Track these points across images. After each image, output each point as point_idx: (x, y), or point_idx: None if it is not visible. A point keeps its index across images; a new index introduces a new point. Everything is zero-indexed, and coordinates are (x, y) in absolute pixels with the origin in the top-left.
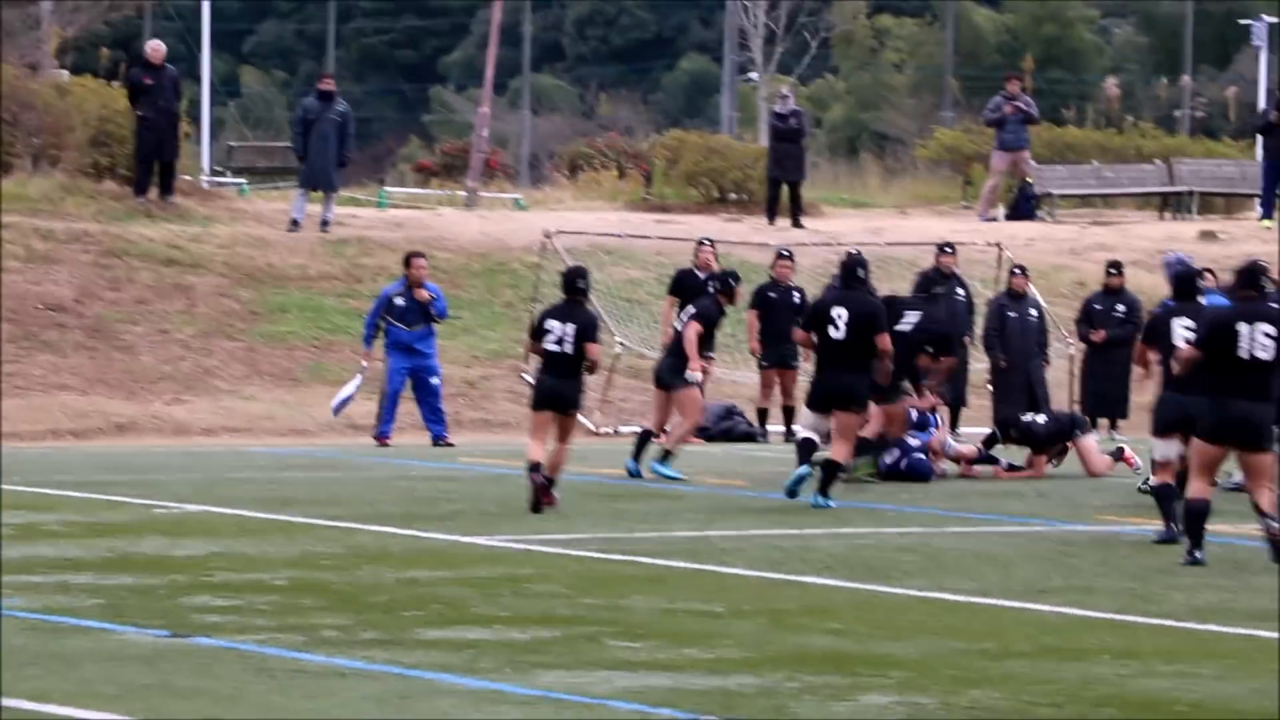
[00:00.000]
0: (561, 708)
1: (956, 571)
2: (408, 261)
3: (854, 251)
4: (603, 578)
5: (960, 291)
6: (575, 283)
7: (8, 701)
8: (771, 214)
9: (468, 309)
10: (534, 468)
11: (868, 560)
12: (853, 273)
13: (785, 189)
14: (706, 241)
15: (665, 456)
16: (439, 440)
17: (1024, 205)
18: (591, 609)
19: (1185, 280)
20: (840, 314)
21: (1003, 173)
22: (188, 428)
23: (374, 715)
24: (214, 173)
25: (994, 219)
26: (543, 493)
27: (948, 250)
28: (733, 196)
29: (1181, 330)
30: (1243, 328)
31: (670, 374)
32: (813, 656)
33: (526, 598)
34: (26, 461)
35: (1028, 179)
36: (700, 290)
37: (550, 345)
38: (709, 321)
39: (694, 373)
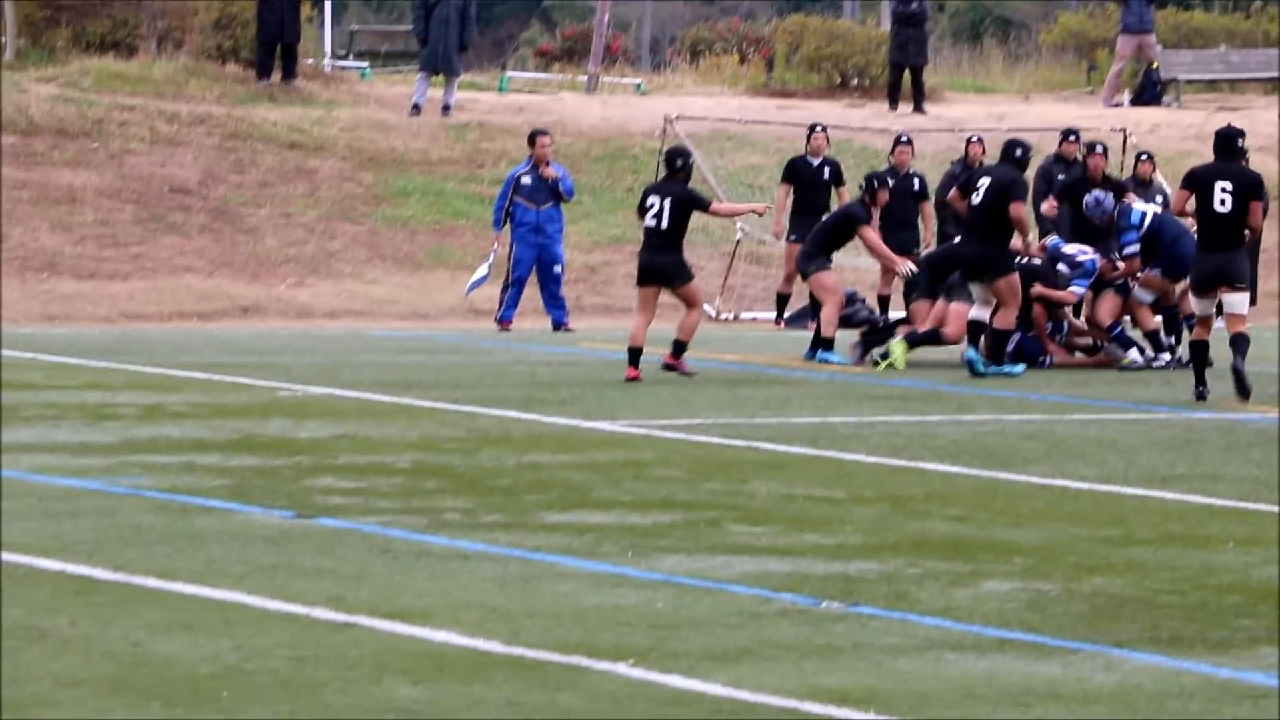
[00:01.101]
0: (682, 592)
1: (1079, 458)
2: (532, 140)
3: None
4: (723, 463)
5: None
6: (674, 161)
7: (137, 579)
8: (894, 99)
9: (588, 194)
10: (633, 357)
11: (990, 446)
12: (1010, 151)
13: (908, 74)
14: (819, 127)
15: (828, 344)
16: (559, 326)
17: (1149, 90)
18: (712, 494)
19: (1226, 140)
20: (983, 183)
21: (1128, 58)
22: (310, 311)
23: (496, 597)
24: (336, 56)
25: (1119, 104)
26: (633, 362)
27: (1071, 138)
28: (855, 82)
29: (1220, 191)
30: None
31: (804, 260)
32: (934, 543)
33: (647, 482)
34: (152, 343)
35: (1153, 64)
36: (814, 177)
37: (648, 220)
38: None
39: (904, 265)
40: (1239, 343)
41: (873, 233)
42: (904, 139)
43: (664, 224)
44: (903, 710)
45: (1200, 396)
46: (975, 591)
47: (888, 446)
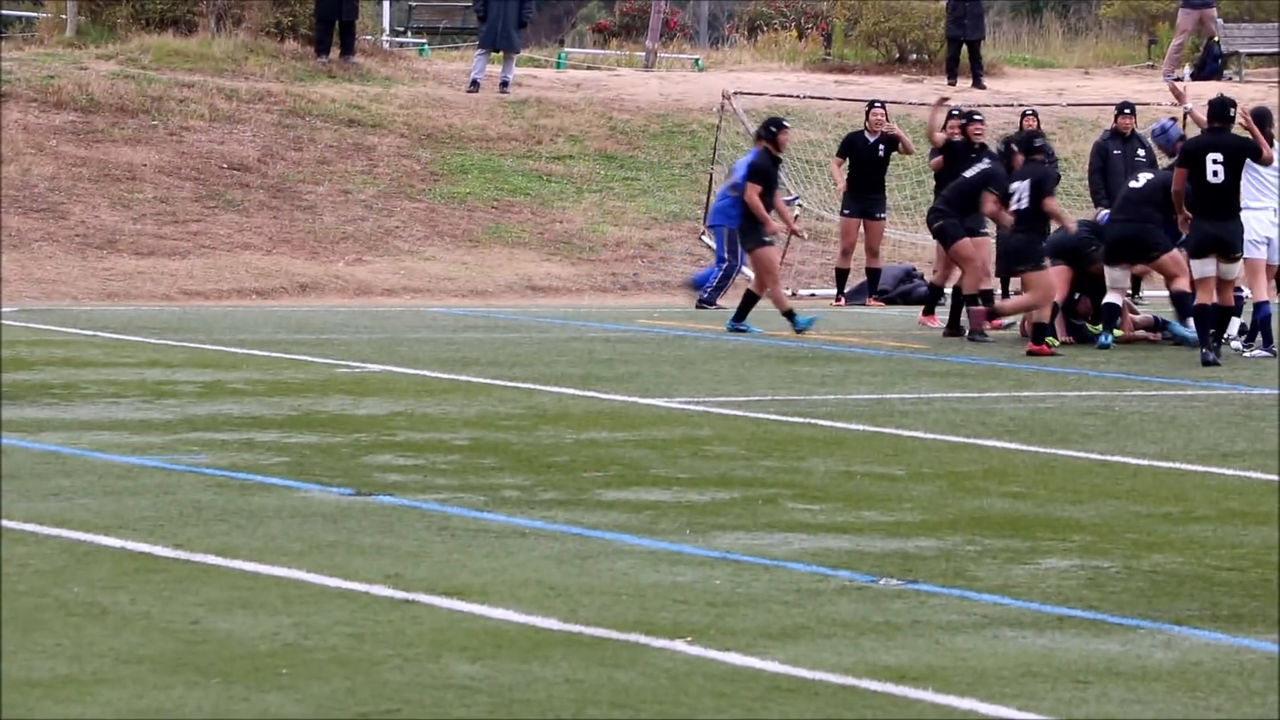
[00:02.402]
0: (740, 569)
1: (1139, 435)
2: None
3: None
4: (781, 440)
5: (1141, 152)
6: (1032, 142)
7: (196, 557)
8: (952, 74)
9: (646, 171)
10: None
11: (1048, 423)
12: (1159, 131)
13: (966, 49)
14: (878, 104)
15: (788, 315)
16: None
17: (1210, 64)
18: (770, 471)
19: (1219, 109)
20: (1143, 176)
21: (1189, 31)
22: (369, 288)
23: (554, 574)
24: (394, 33)
25: (1180, 78)
26: (980, 319)
27: (1126, 111)
28: (913, 57)
29: (1211, 163)
30: None
31: (743, 235)
32: (992, 520)
33: (705, 459)
34: (211, 320)
35: (1214, 37)
36: (870, 153)
37: (1014, 204)
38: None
39: (770, 235)
40: (1223, 311)
41: (751, 189)
42: (976, 117)
43: (1024, 204)
44: (961, 688)
45: (1207, 362)
46: (1034, 568)
47: (946, 423)
